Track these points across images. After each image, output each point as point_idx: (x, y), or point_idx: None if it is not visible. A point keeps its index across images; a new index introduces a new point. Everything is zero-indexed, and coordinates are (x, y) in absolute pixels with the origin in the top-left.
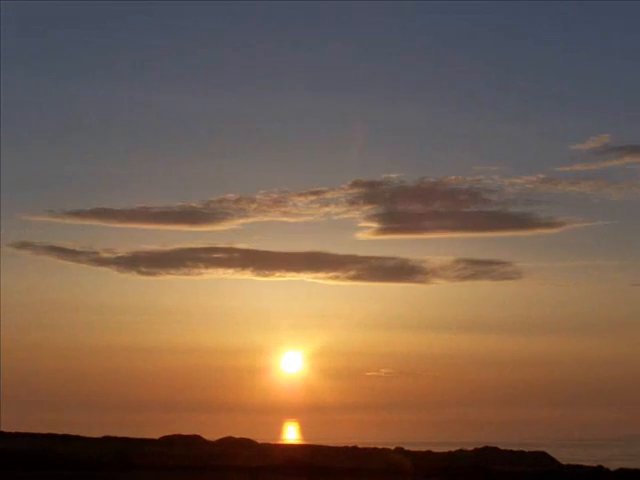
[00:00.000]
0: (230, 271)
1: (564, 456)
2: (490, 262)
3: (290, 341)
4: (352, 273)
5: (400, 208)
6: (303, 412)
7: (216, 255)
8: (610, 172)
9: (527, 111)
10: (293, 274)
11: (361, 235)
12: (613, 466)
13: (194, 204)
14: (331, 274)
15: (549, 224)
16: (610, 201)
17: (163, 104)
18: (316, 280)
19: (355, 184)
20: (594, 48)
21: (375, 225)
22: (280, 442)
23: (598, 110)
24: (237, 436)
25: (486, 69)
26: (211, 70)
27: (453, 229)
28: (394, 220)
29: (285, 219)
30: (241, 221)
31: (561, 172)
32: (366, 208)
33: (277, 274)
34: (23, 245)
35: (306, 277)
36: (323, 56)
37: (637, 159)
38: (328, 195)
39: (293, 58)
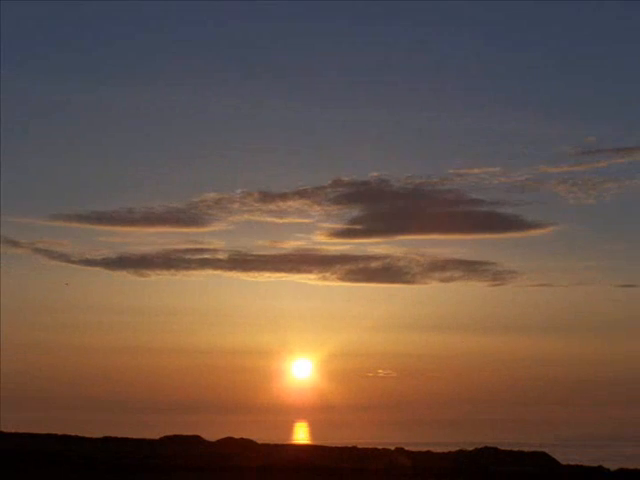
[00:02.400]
0: (218, 272)
1: (564, 456)
2: (479, 263)
3: (285, 341)
4: (340, 274)
5: (386, 208)
6: (311, 412)
7: (203, 256)
8: (598, 173)
9: (516, 112)
10: (283, 274)
11: (348, 235)
12: (613, 466)
13: (178, 205)
14: (320, 274)
15: (538, 225)
16: (599, 202)
17: (146, 105)
18: (306, 281)
19: (340, 184)
20: (582, 51)
21: (361, 226)
22: (280, 442)
23: (586, 111)
24: (237, 436)
25: (475, 70)
26: (195, 71)
27: (441, 230)
28: (380, 220)
29: (270, 219)
30: (226, 221)
31: (549, 173)
32: (351, 208)
33: (266, 274)
34: (13, 245)
35: (295, 278)
36: (305, 57)
37: (625, 160)
38: (312, 195)
39: (275, 60)
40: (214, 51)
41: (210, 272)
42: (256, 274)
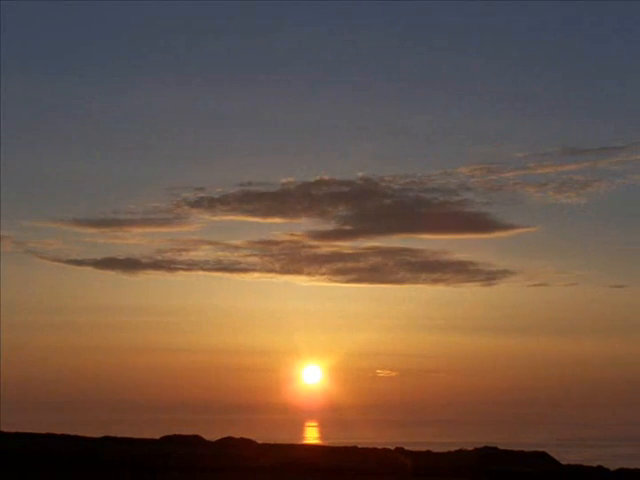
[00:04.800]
0: (205, 272)
1: (564, 456)
2: (470, 263)
3: (281, 341)
4: (330, 274)
5: (374, 208)
6: (311, 413)
7: (189, 256)
8: (588, 173)
9: (503, 112)
10: (272, 274)
11: (337, 235)
12: (613, 466)
13: (161, 205)
14: (309, 275)
15: (527, 224)
16: (589, 202)
17: (131, 107)
18: (296, 281)
19: (325, 183)
20: (570, 52)
21: (349, 226)
22: (280, 442)
23: (574, 112)
24: (237, 436)
25: (464, 71)
26: (179, 72)
27: (430, 230)
28: (368, 221)
29: (255, 219)
30: (211, 221)
31: (539, 173)
32: (337, 208)
33: (255, 275)
34: (3, 245)
35: (284, 278)
36: (290, 57)
37: (614, 159)
38: (298, 194)
39: (261, 60)
40: (201, 51)
41: (198, 273)
42: (244, 275)
